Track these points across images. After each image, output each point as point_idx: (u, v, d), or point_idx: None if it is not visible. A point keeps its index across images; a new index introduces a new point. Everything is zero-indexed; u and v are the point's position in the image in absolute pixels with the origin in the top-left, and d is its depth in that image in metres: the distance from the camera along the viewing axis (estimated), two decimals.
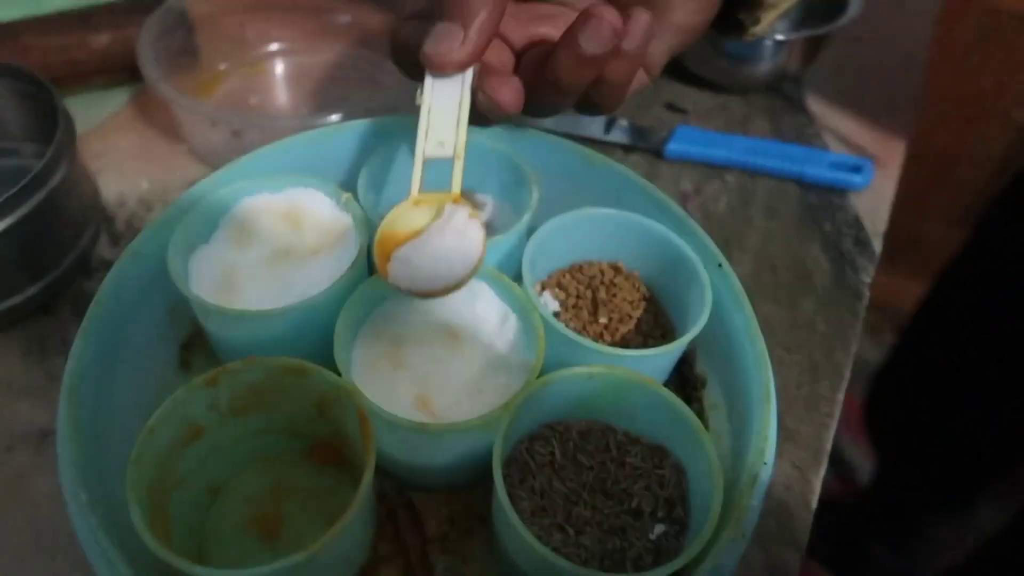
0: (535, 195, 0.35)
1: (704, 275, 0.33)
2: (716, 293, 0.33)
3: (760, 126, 0.53)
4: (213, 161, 0.46)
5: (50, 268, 0.38)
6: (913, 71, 0.58)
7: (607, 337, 0.35)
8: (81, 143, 0.41)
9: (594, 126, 0.50)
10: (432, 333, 0.33)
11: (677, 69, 0.55)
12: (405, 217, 0.29)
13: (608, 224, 0.36)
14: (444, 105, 0.29)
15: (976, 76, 1.25)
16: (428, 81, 0.30)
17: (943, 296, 0.78)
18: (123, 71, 0.49)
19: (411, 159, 0.35)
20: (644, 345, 0.34)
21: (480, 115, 0.30)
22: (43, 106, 0.41)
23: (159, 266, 0.32)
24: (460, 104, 0.29)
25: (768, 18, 0.39)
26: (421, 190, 0.29)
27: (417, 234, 0.29)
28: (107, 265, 0.41)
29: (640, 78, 0.34)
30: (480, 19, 0.27)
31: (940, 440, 0.79)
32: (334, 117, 0.42)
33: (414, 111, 0.31)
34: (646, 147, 0.50)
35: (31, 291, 0.38)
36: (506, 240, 0.34)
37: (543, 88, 0.30)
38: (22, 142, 0.45)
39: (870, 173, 0.48)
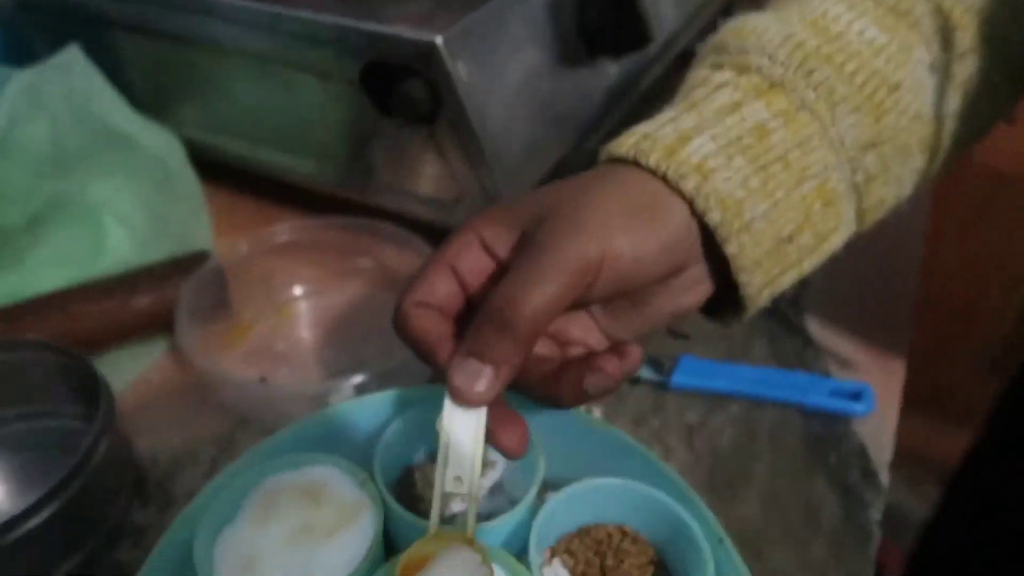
0: (541, 467, 0.37)
1: (706, 550, 0.34)
2: (719, 568, 0.34)
3: (761, 349, 0.55)
4: (242, 411, 0.49)
5: (87, 541, 0.40)
6: (907, 281, 0.61)
7: None
8: (117, 400, 0.44)
9: None
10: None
11: None
12: (420, 550, 0.31)
13: (613, 492, 0.38)
14: (461, 438, 0.32)
15: (982, 234, 1.29)
16: (448, 407, 0.32)
17: (991, 448, 0.77)
18: (161, 327, 0.53)
19: (424, 434, 0.38)
20: None
21: None
22: (83, 375, 0.44)
23: (187, 553, 0.34)
24: (476, 438, 0.32)
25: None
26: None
27: (425, 561, 0.30)
28: (136, 531, 0.43)
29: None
30: (510, 365, 0.30)
31: None
32: (356, 379, 0.45)
33: (425, 378, 0.34)
34: (651, 379, 0.52)
35: (67, 566, 0.40)
36: (514, 516, 0.36)
37: (532, 392, 0.34)
38: (62, 404, 0.48)
39: (871, 399, 0.50)
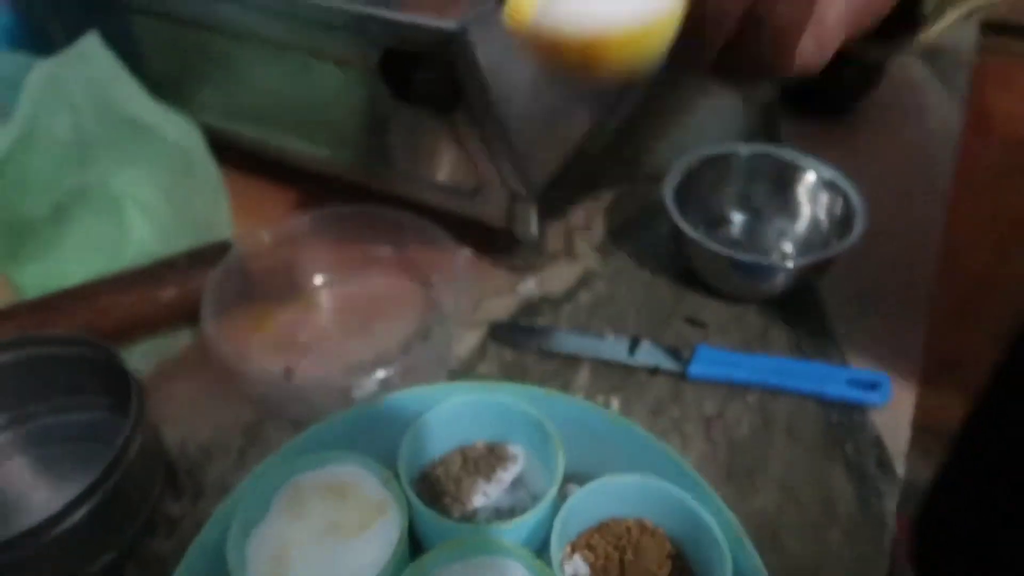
0: (560, 464, 0.38)
1: (725, 548, 0.35)
2: (738, 564, 0.35)
3: (778, 337, 0.55)
4: (265, 403, 0.50)
5: (123, 532, 0.42)
6: (926, 268, 0.61)
7: None
8: (146, 392, 0.45)
9: (619, 349, 0.53)
10: None
11: (694, 281, 0.58)
12: None
13: (633, 488, 0.39)
14: None
15: (1004, 201, 1.27)
16: None
17: (986, 415, 0.78)
18: (187, 318, 0.54)
19: (446, 431, 0.39)
20: None
21: None
22: (113, 368, 0.45)
23: (221, 551, 0.35)
24: None
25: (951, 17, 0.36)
26: None
27: None
28: (170, 521, 0.44)
29: (810, 49, 0.30)
30: None
31: (990, 564, 0.78)
32: (379, 374, 0.46)
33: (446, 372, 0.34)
34: (670, 369, 0.52)
35: (106, 558, 0.41)
36: (535, 512, 0.37)
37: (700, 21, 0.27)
38: (93, 396, 0.49)
39: (888, 389, 0.50)
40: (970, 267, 1.31)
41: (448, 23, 0.49)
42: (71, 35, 0.57)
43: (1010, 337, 0.73)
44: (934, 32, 0.33)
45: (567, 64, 0.22)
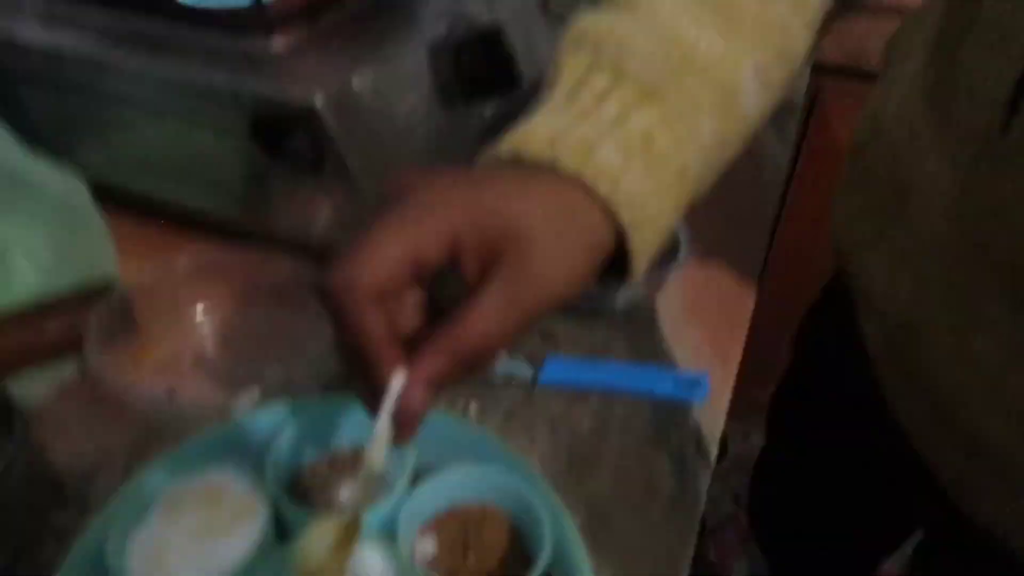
0: (411, 460, 0.44)
1: (546, 522, 0.42)
2: (558, 537, 0.42)
3: (619, 347, 0.63)
4: (151, 423, 0.54)
5: (9, 542, 0.45)
6: (748, 284, 0.70)
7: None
8: (33, 418, 0.48)
9: None
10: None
11: None
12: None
13: (474, 476, 0.45)
14: (384, 431, 0.34)
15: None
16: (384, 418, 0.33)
17: (783, 402, 0.88)
18: (73, 351, 0.57)
19: (310, 439, 0.45)
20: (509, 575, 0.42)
21: None
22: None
23: (101, 553, 0.39)
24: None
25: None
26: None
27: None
28: (56, 532, 0.48)
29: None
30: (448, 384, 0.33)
31: (819, 538, 0.88)
32: (255, 392, 0.51)
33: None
34: (523, 377, 0.59)
35: None
36: (389, 500, 0.43)
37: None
38: None
39: (707, 387, 0.58)
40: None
41: (309, 96, 0.55)
42: None
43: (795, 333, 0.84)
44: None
45: None
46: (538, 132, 0.37)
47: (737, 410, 0.61)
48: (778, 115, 0.95)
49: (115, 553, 0.40)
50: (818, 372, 0.77)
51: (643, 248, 0.37)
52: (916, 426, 0.51)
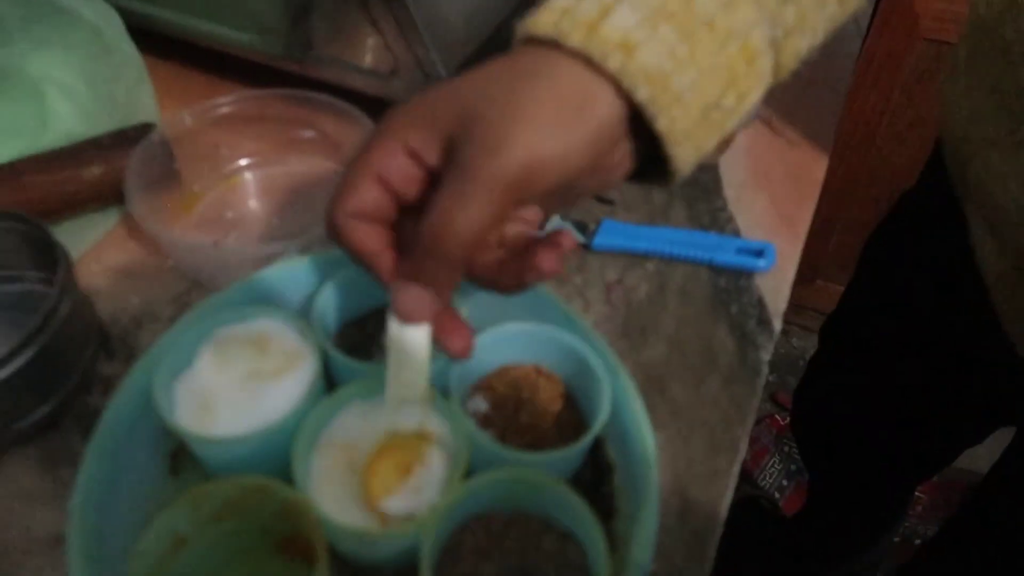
0: (463, 314, 0.42)
1: (605, 382, 0.40)
2: (616, 396, 0.40)
3: (679, 213, 0.60)
4: (195, 274, 0.53)
5: (58, 389, 0.45)
6: (823, 144, 0.65)
7: (528, 435, 0.41)
8: (78, 266, 0.47)
9: None
10: (380, 438, 0.39)
11: None
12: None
13: (527, 335, 0.43)
14: (409, 348, 0.34)
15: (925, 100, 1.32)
16: (394, 322, 0.34)
17: (845, 315, 0.85)
18: (113, 198, 0.55)
19: (359, 289, 0.42)
20: (560, 437, 0.41)
21: None
22: (43, 241, 0.47)
23: (149, 394, 0.38)
24: (422, 347, 0.34)
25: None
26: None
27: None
28: (104, 380, 0.47)
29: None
30: (448, 286, 0.32)
31: (864, 448, 0.87)
32: (300, 241, 0.49)
33: None
34: (576, 241, 0.56)
35: (42, 410, 0.44)
36: (440, 357, 0.41)
37: (476, 282, 0.36)
38: (26, 270, 0.51)
39: (772, 257, 0.55)
40: (852, 162, 1.35)
41: None
42: None
43: (877, 229, 0.79)
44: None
45: None
46: (551, 6, 0.32)
47: None
48: None
49: (162, 397, 0.39)
50: (893, 280, 0.73)
51: (676, 134, 0.32)
52: None
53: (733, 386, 0.49)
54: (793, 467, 1.41)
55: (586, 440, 0.38)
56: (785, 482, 1.40)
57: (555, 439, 0.41)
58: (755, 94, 0.35)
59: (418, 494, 0.37)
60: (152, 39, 0.65)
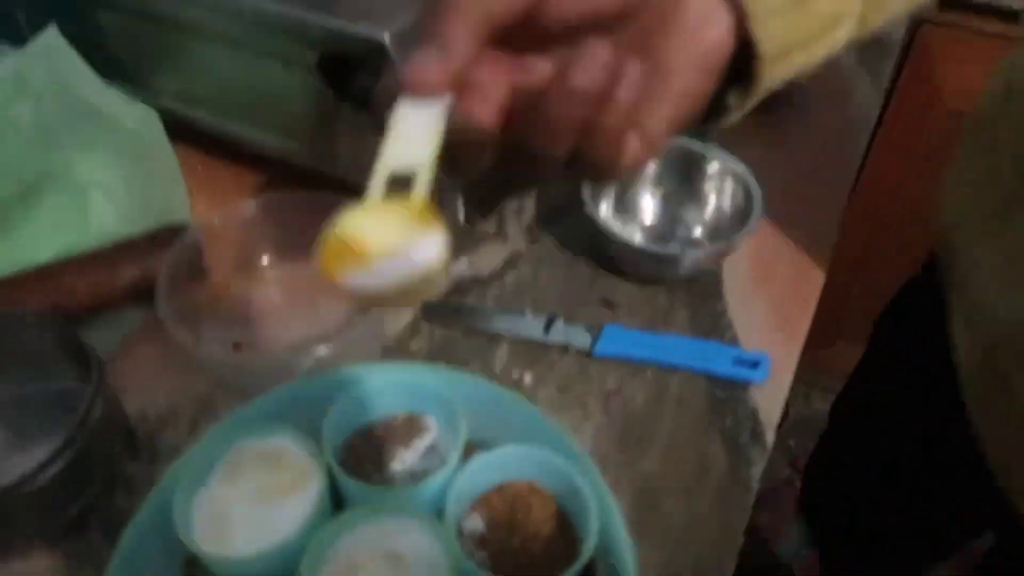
0: (463, 434, 0.45)
1: (592, 509, 0.42)
2: (602, 518, 0.42)
3: (680, 317, 0.62)
4: (219, 374, 0.56)
5: (86, 490, 0.48)
6: (820, 251, 0.67)
7: (520, 557, 0.43)
8: (107, 361, 0.50)
9: (535, 327, 0.60)
10: (380, 559, 0.42)
11: (610, 265, 0.64)
12: (366, 225, 0.28)
13: (523, 456, 0.45)
14: (415, 128, 0.29)
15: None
16: (402, 106, 0.30)
17: (852, 396, 0.86)
18: (147, 297, 0.59)
19: (365, 406, 0.45)
20: (550, 562, 0.43)
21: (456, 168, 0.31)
22: (75, 343, 0.51)
23: (168, 510, 0.41)
24: (432, 132, 0.29)
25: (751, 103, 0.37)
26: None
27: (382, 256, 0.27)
28: (127, 481, 0.51)
29: (636, 150, 0.32)
30: (459, 43, 0.29)
31: (874, 529, 0.87)
32: (320, 350, 0.52)
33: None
34: (579, 347, 0.59)
35: (71, 511, 0.48)
36: (440, 475, 0.44)
37: (531, 134, 0.30)
38: (61, 369, 0.55)
39: (767, 369, 0.57)
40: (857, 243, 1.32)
41: (378, 32, 0.54)
42: (34, 24, 0.61)
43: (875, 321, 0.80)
44: (734, 120, 0.36)
45: (380, 304, 0.28)
46: None
47: (798, 369, 0.59)
48: (870, 52, 0.89)
49: (181, 511, 0.42)
50: (896, 368, 0.74)
51: (758, 10, 0.31)
52: (996, 437, 0.49)
53: (723, 504, 0.50)
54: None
55: (572, 572, 0.40)
56: (805, 551, 1.40)
57: (545, 564, 0.43)
58: (842, 30, 0.34)
59: None
60: (187, 133, 0.69)
